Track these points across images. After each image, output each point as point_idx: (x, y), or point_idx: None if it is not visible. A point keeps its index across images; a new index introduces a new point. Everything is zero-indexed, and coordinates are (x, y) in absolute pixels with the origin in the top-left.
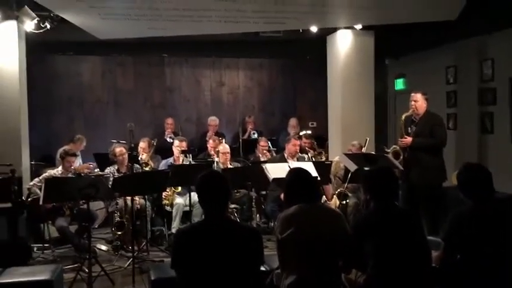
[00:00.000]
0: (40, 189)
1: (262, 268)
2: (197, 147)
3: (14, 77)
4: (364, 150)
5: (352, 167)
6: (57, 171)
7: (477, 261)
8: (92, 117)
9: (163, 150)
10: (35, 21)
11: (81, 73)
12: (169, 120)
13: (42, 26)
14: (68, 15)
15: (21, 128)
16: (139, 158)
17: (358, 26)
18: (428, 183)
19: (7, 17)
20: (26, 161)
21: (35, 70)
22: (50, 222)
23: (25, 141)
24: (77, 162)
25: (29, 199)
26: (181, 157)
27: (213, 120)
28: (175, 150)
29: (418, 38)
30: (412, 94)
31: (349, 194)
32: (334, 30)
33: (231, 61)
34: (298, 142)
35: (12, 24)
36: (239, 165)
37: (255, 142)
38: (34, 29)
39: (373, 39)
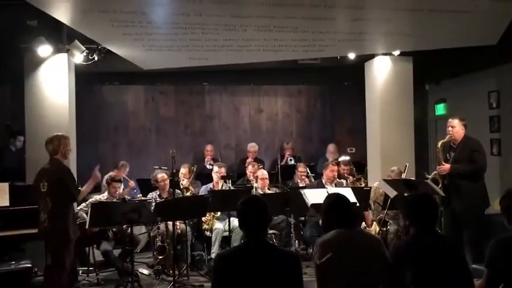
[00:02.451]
0: (86, 214)
1: None
2: (236, 173)
3: (64, 107)
4: (403, 176)
5: (392, 193)
6: (103, 196)
7: None
8: (136, 144)
9: (203, 176)
10: (84, 53)
11: (125, 102)
12: (209, 147)
13: (91, 58)
14: (115, 48)
15: (70, 156)
16: (180, 184)
17: (396, 52)
18: (470, 210)
19: (58, 50)
20: None
21: (82, 99)
22: (95, 245)
23: (73, 168)
24: (121, 188)
25: (76, 223)
26: (221, 183)
27: (252, 146)
28: (215, 176)
29: (459, 62)
30: (450, 120)
31: (390, 221)
32: (372, 56)
33: (269, 88)
34: (335, 168)
35: (63, 57)
36: (278, 190)
37: (294, 168)
38: (83, 61)
39: (411, 65)
